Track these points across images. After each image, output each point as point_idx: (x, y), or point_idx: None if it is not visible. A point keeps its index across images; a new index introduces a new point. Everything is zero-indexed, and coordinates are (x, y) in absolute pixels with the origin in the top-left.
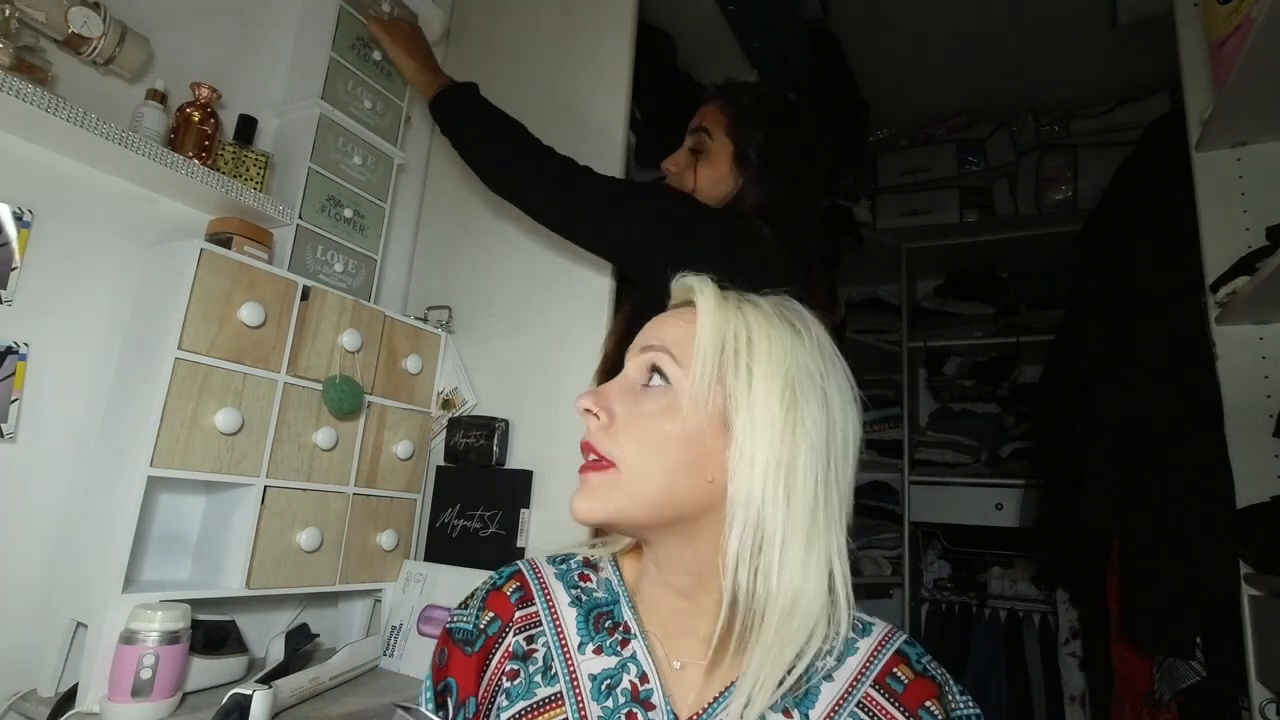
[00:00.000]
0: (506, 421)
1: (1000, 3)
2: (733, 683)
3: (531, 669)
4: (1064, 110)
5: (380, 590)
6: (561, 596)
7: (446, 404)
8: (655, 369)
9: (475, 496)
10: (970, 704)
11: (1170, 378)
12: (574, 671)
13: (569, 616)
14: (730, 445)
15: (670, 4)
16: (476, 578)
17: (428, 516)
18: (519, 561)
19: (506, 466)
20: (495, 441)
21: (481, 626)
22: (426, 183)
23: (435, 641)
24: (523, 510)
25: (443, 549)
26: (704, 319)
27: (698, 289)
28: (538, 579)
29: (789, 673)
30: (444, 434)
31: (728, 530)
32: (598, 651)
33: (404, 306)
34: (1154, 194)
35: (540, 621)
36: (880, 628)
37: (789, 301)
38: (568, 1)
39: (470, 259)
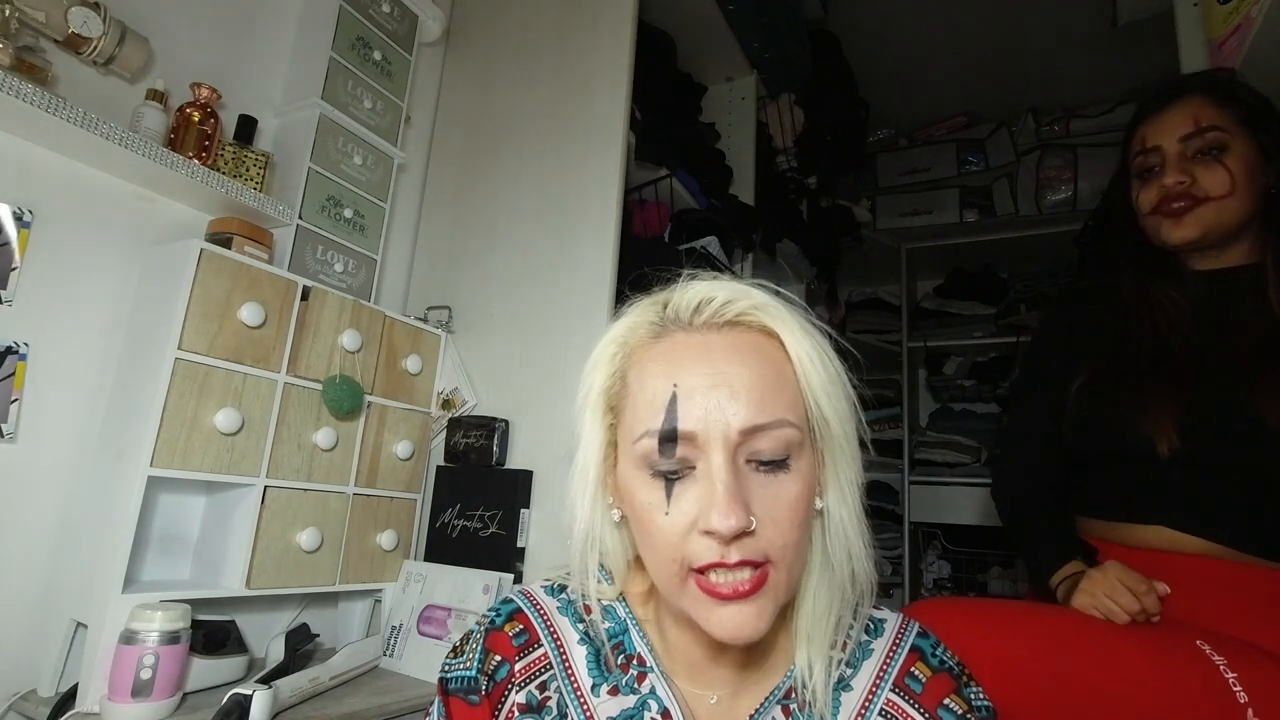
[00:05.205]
0: (506, 421)
1: (1000, 3)
2: (768, 695)
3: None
4: (1064, 110)
5: (380, 590)
6: (570, 634)
7: (446, 404)
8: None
9: (475, 496)
10: (982, 695)
11: None
12: (591, 717)
13: (579, 656)
14: (822, 466)
15: (670, 4)
16: (476, 578)
17: (428, 516)
18: (514, 595)
19: (506, 466)
20: (495, 441)
21: (488, 670)
22: (426, 183)
23: (434, 641)
24: (523, 510)
25: (443, 549)
26: (805, 367)
27: (777, 322)
28: (541, 616)
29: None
30: (444, 434)
31: (832, 541)
32: (613, 692)
33: (404, 306)
34: None
35: (550, 665)
36: (892, 624)
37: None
38: (568, 1)
39: (470, 259)
